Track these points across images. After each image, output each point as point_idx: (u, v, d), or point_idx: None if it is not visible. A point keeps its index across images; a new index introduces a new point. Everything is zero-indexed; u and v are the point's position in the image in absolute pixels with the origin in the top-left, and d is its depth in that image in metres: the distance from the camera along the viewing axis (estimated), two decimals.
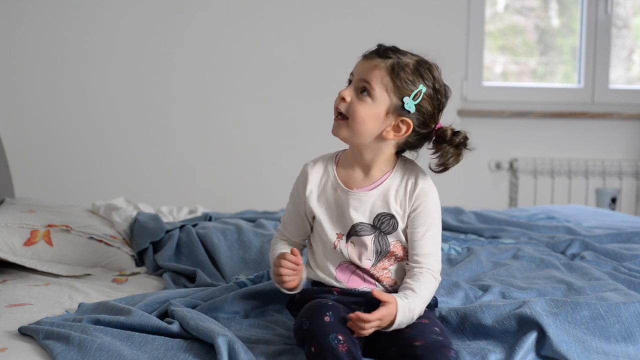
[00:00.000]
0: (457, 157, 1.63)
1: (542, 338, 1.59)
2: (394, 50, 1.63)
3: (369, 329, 1.50)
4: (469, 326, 1.68)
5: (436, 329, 1.55)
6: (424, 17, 3.91)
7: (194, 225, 2.51)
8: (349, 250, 1.64)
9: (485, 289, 1.93)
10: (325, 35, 3.86)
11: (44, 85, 3.76)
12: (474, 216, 2.89)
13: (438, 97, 1.63)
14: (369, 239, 1.64)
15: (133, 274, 2.28)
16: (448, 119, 3.91)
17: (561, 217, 2.97)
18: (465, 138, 1.63)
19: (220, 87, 3.86)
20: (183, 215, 2.98)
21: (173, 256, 2.33)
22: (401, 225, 1.64)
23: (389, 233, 1.64)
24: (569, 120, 4.07)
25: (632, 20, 4.33)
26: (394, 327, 1.53)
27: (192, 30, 3.82)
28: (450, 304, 1.82)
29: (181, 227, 2.47)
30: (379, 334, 1.54)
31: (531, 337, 1.59)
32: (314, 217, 1.68)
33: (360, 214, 1.64)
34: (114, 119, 3.81)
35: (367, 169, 1.66)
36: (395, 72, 1.59)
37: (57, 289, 2.04)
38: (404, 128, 1.62)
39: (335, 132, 1.64)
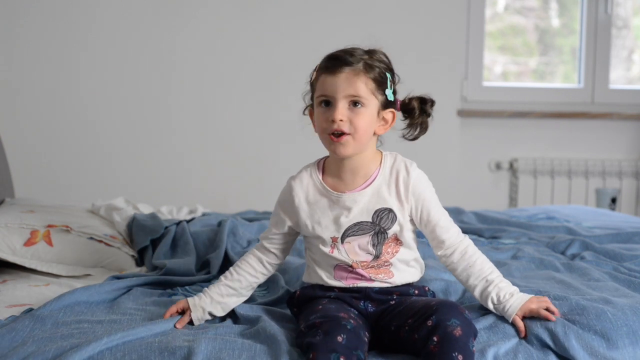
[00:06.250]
0: (427, 125, 1.70)
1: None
2: (349, 52, 1.65)
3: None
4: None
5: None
6: (424, 17, 3.91)
7: (189, 221, 2.52)
8: (347, 250, 1.65)
9: None
10: (324, 35, 3.86)
11: (44, 86, 3.75)
12: (474, 216, 2.89)
13: (394, 76, 1.68)
14: (367, 237, 1.64)
15: None
16: (448, 119, 3.92)
17: (561, 217, 2.97)
18: (432, 102, 1.69)
19: (220, 87, 3.85)
20: (183, 215, 2.97)
21: (169, 251, 2.34)
22: (399, 217, 1.64)
23: (389, 228, 1.64)
24: (569, 120, 4.06)
25: (632, 21, 4.33)
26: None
27: (191, 31, 3.82)
28: None
29: (178, 224, 2.49)
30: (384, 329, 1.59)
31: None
32: (305, 226, 1.68)
33: (358, 214, 1.64)
34: (114, 119, 3.81)
35: (356, 171, 1.66)
36: (371, 72, 1.62)
37: (57, 289, 2.04)
38: (390, 118, 1.66)
39: (343, 152, 1.61)
